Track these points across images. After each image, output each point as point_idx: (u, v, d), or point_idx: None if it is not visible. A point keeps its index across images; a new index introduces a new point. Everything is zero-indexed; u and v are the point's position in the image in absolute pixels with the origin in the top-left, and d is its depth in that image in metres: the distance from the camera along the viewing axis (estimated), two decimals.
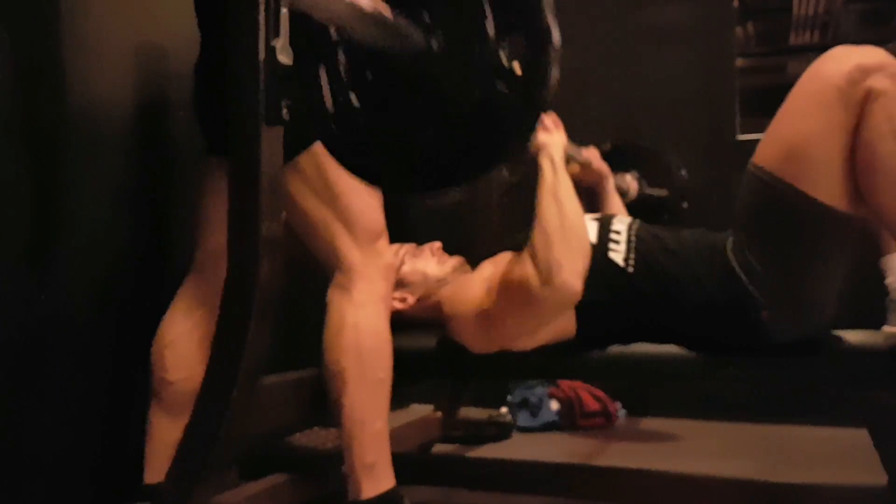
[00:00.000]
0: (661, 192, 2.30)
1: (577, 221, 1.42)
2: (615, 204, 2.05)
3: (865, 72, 1.26)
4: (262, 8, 1.04)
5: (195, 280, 1.45)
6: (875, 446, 1.54)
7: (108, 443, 1.55)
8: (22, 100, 1.42)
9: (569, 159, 1.60)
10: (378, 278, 1.39)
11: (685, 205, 2.30)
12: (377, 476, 1.33)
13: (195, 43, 1.41)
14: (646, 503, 1.75)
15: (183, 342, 1.41)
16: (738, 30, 3.88)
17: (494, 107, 0.75)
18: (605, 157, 2.06)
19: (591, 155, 1.97)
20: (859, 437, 1.58)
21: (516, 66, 0.74)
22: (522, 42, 0.75)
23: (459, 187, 0.96)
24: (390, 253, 1.50)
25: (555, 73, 0.74)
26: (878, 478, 1.53)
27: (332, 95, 0.83)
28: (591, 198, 2.01)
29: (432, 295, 1.63)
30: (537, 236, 1.40)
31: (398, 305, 1.59)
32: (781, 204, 1.34)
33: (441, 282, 1.65)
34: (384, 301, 1.40)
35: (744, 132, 2.89)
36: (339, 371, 1.34)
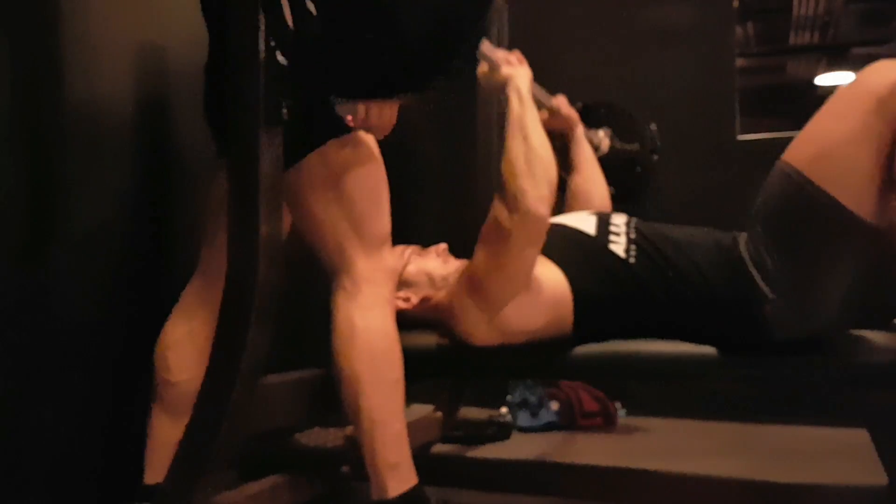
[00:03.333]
0: (632, 147, 2.35)
1: (541, 150, 1.44)
2: (585, 151, 2.06)
3: None
4: (262, 8, 1.05)
5: (200, 281, 1.45)
6: (875, 446, 1.54)
7: (108, 443, 1.55)
8: (22, 100, 1.42)
9: (539, 104, 1.62)
10: (383, 281, 1.39)
11: (655, 157, 2.37)
12: (401, 475, 1.34)
13: (196, 43, 1.41)
14: (645, 503, 1.75)
15: (186, 343, 1.41)
16: (738, 30, 3.88)
17: (445, 9, 0.76)
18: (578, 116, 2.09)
19: (560, 102, 1.99)
20: (859, 437, 1.58)
21: None
22: None
23: (414, 92, 0.97)
24: (394, 255, 1.50)
25: None
26: (878, 478, 1.53)
27: (291, 8, 0.84)
28: (562, 146, 2.02)
29: (435, 295, 1.64)
30: (504, 167, 1.42)
31: (402, 305, 1.59)
32: (806, 204, 1.34)
33: (445, 282, 1.65)
34: (389, 303, 1.40)
35: (744, 132, 2.89)
36: (353, 376, 1.34)
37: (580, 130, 2.07)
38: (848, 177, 1.31)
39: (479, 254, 1.45)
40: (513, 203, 1.39)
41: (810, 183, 1.33)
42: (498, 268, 1.43)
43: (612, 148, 2.29)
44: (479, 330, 1.48)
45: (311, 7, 0.83)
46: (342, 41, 0.82)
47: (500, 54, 1.61)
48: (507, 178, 1.41)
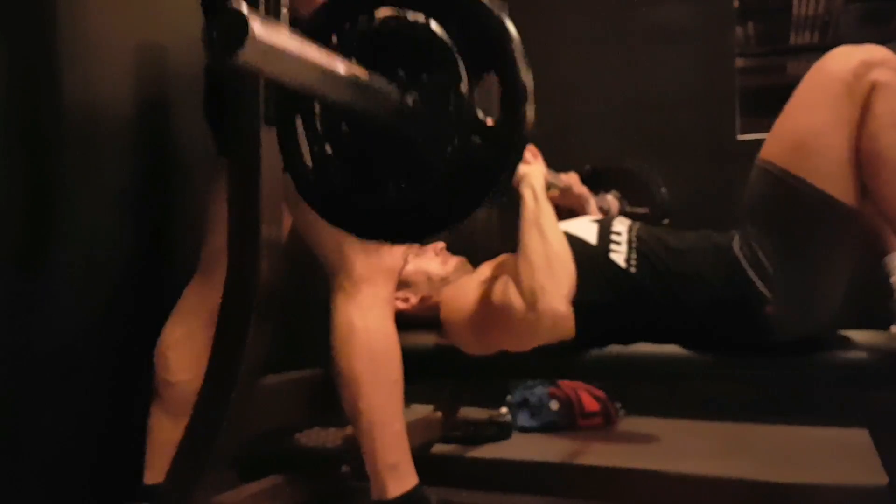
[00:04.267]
0: (642, 211, 2.34)
1: (559, 248, 1.44)
2: None
3: (869, 66, 1.29)
4: (262, 8, 1.05)
5: (200, 281, 1.45)
6: (875, 446, 1.54)
7: (108, 443, 1.55)
8: (21, 100, 1.42)
9: (549, 186, 1.63)
10: (382, 282, 1.39)
11: (666, 221, 2.33)
12: (401, 475, 1.34)
13: (196, 43, 1.40)
14: (646, 503, 1.75)
15: (186, 343, 1.42)
16: (738, 30, 3.88)
17: (469, 159, 0.76)
18: (586, 178, 2.09)
19: (571, 179, 2.00)
20: (859, 437, 1.58)
21: (489, 120, 0.76)
22: (497, 95, 0.77)
23: (437, 235, 0.98)
24: (393, 255, 1.50)
25: (529, 116, 0.75)
26: (878, 478, 1.53)
27: (308, 145, 0.84)
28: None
29: (434, 295, 1.64)
30: (521, 265, 1.42)
31: (401, 305, 1.59)
32: (790, 196, 1.35)
33: (443, 281, 1.65)
34: (389, 304, 1.40)
35: (744, 132, 2.89)
36: (353, 376, 1.34)
37: (592, 207, 2.07)
38: (825, 164, 1.32)
39: (489, 322, 1.46)
40: (531, 299, 1.39)
41: (789, 175, 1.34)
42: (508, 341, 1.46)
43: (621, 211, 2.28)
44: (473, 350, 1.52)
45: (329, 149, 0.84)
46: (360, 188, 0.82)
47: None
48: (524, 277, 1.41)
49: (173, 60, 1.72)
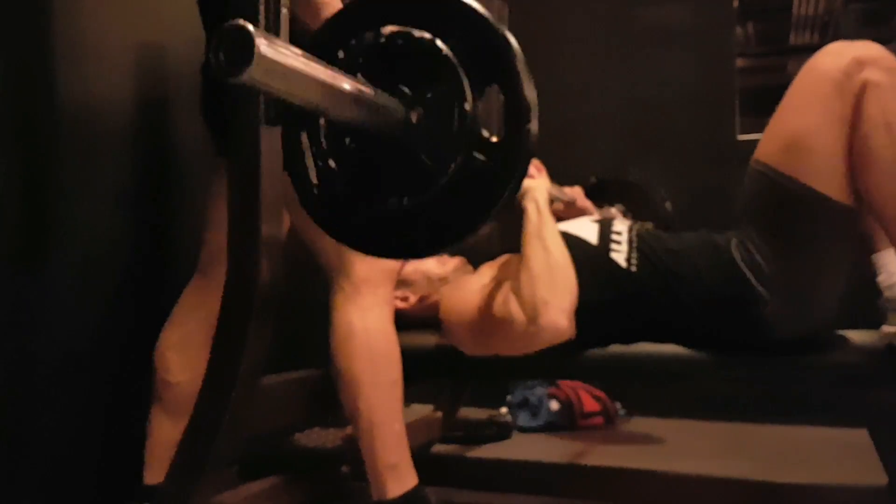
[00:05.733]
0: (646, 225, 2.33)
1: (562, 261, 1.44)
2: None
3: (861, 65, 1.28)
4: (262, 8, 1.04)
5: (200, 281, 1.45)
6: (875, 446, 1.54)
7: (108, 443, 1.55)
8: (20, 100, 1.42)
9: (553, 200, 1.63)
10: (381, 282, 1.39)
11: None
12: (401, 475, 1.34)
13: (195, 43, 1.41)
14: (645, 503, 1.75)
15: (186, 344, 1.42)
16: (738, 30, 3.88)
17: (473, 175, 0.77)
18: (590, 191, 2.08)
19: (575, 193, 2.00)
20: (859, 437, 1.58)
21: (493, 137, 0.76)
22: (498, 108, 0.77)
23: (441, 251, 0.98)
24: None
25: (533, 132, 0.75)
26: (878, 478, 1.53)
27: (313, 160, 0.84)
28: None
29: (433, 294, 1.64)
30: (523, 277, 1.43)
31: (400, 304, 1.59)
32: (784, 196, 1.35)
33: (443, 281, 1.65)
34: (388, 304, 1.41)
35: (744, 132, 2.89)
36: (352, 376, 1.34)
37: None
38: (819, 163, 1.32)
39: (488, 331, 1.47)
40: (532, 313, 1.39)
41: (783, 176, 1.34)
42: (507, 349, 1.46)
43: None
44: (472, 351, 1.52)
45: (333, 164, 0.84)
46: (364, 203, 0.83)
47: None
48: (525, 286, 1.41)
49: (173, 60, 1.72)
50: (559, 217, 1.58)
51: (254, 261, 1.13)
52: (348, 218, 0.84)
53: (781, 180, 1.34)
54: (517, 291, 1.43)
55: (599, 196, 2.15)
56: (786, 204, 1.35)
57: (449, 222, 0.79)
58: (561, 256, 1.45)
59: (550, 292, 1.40)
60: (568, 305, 1.41)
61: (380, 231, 0.83)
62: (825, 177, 1.31)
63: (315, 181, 0.85)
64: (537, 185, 1.57)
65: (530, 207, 1.51)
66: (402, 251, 0.87)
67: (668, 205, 2.36)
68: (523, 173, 0.77)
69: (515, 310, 1.41)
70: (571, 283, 1.43)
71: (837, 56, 1.31)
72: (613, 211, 2.25)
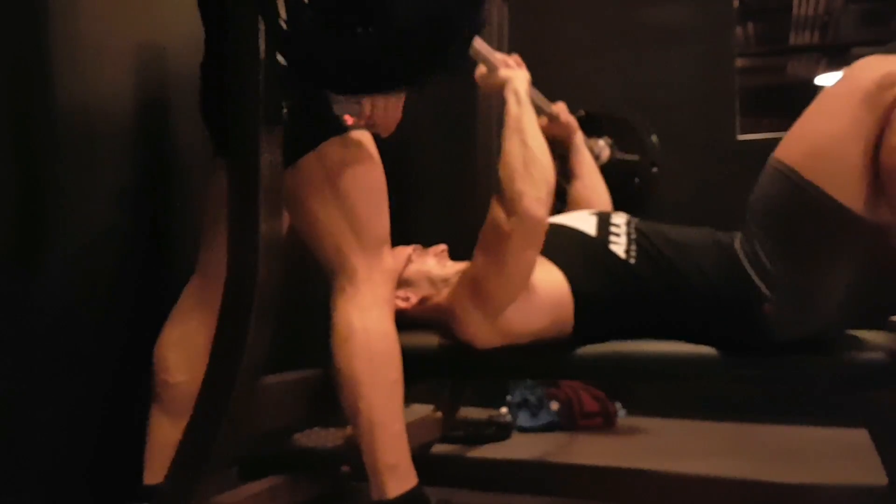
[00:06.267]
0: (632, 158, 2.34)
1: (539, 152, 1.43)
2: (585, 159, 2.06)
3: (894, 79, 1.27)
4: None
5: (199, 281, 1.45)
6: (875, 446, 1.54)
7: (108, 443, 1.55)
8: (19, 100, 1.42)
9: (538, 110, 1.63)
10: (381, 282, 1.39)
11: (655, 169, 2.34)
12: (401, 475, 1.34)
13: (195, 43, 1.41)
14: (645, 503, 1.75)
15: (185, 343, 1.41)
16: (738, 30, 3.88)
17: (430, 9, 0.78)
18: (579, 123, 2.10)
19: (559, 108, 1.99)
20: (859, 437, 1.58)
21: None
22: None
23: (408, 87, 0.97)
24: (393, 256, 1.50)
25: None
26: (878, 478, 1.53)
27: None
28: (562, 155, 2.02)
29: (434, 296, 1.63)
30: (501, 169, 1.42)
31: (401, 304, 1.59)
32: (799, 200, 1.34)
33: (445, 282, 1.65)
34: (389, 304, 1.40)
35: (744, 132, 2.89)
36: (352, 376, 1.34)
37: (579, 137, 2.07)
38: (841, 173, 1.31)
39: (479, 256, 1.45)
40: (510, 206, 1.38)
41: (804, 180, 1.33)
42: (497, 270, 1.43)
43: (612, 158, 2.28)
44: (481, 332, 1.47)
45: None
46: (332, 33, 0.84)
47: (498, 57, 1.61)
48: (504, 181, 1.41)
49: (172, 60, 1.72)
50: (545, 133, 1.55)
51: (253, 260, 1.13)
52: (319, 53, 0.85)
53: (800, 182, 1.33)
54: (496, 187, 1.42)
55: (587, 128, 2.16)
56: (802, 208, 1.34)
57: (410, 57, 0.80)
58: (538, 148, 1.44)
59: (525, 184, 1.38)
60: (543, 195, 1.40)
61: (351, 63, 0.84)
62: (844, 186, 1.30)
63: (284, 16, 0.86)
64: (517, 75, 1.56)
65: (510, 98, 1.50)
66: (375, 84, 0.87)
67: (654, 138, 2.38)
68: (480, 9, 0.78)
69: (497, 211, 1.40)
70: (548, 176, 1.42)
71: (873, 68, 1.30)
72: (601, 143, 2.26)
